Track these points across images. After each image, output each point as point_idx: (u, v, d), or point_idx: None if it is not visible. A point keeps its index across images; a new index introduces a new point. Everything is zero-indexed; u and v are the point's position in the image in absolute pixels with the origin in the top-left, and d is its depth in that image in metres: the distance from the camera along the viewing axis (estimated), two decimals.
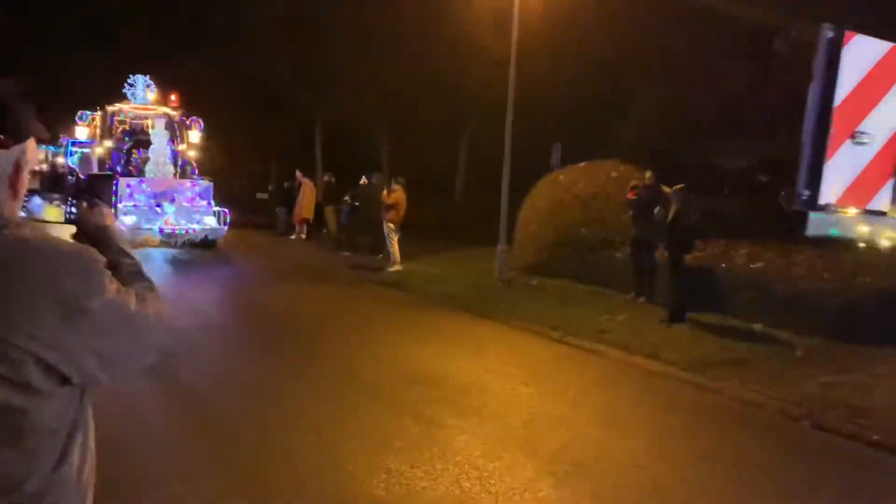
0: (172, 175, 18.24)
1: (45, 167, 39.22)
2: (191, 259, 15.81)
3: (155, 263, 15.05)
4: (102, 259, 1.67)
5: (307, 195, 21.74)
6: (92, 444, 1.73)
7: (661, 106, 17.32)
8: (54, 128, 39.57)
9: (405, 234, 15.94)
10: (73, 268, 1.57)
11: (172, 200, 17.03)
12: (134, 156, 18.41)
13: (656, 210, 10.95)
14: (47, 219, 16.00)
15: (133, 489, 4.43)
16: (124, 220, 15.82)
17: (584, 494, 4.70)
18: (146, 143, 18.56)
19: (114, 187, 15.90)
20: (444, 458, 5.13)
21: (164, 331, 1.76)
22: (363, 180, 18.54)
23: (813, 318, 9.34)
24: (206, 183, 18.09)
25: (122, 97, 19.66)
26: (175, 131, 19.29)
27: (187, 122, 19.77)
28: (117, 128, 19.51)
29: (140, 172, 17.99)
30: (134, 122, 19.69)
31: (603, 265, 12.87)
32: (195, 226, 16.97)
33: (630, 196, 11.91)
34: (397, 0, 23.39)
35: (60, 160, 30.86)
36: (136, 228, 15.89)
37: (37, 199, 16.96)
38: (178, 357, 7.57)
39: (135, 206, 16.56)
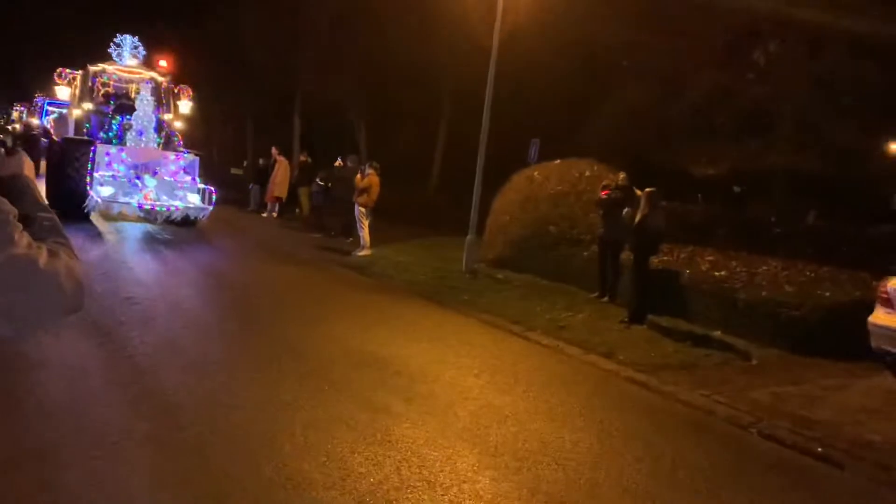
0: (156, 146, 16.71)
1: (17, 127, 38.14)
2: (156, 232, 15.55)
3: (119, 235, 14.82)
4: (11, 210, 1.58)
5: (281, 173, 21.53)
6: None
7: (634, 104, 17.36)
8: (28, 85, 38.58)
9: (377, 220, 15.83)
10: None
11: (154, 174, 15.64)
12: (115, 121, 16.76)
13: (625, 211, 10.96)
14: None
15: (57, 458, 4.32)
16: (100, 190, 14.69)
17: (521, 487, 4.66)
18: (129, 109, 17.00)
19: (91, 154, 14.90)
20: (386, 444, 5.06)
21: (74, 289, 1.67)
22: (338, 162, 18.37)
23: (771, 328, 9.42)
24: (191, 157, 16.66)
25: (106, 57, 18.19)
26: (161, 98, 17.88)
27: (175, 90, 18.40)
28: (99, 90, 18.12)
29: (121, 141, 16.39)
30: (118, 85, 18.25)
31: (569, 262, 12.89)
32: (177, 203, 15.61)
33: (602, 195, 11.91)
34: None
35: (35, 121, 29.70)
36: (112, 201, 14.71)
37: None
38: (124, 327, 7.44)
39: (113, 176, 15.17)
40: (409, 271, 13.23)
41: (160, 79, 17.91)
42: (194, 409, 5.38)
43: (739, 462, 5.70)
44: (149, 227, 15.86)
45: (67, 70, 18.12)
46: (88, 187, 14.70)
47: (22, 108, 40.38)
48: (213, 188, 16.30)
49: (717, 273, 10.63)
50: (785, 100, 13.50)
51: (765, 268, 10.64)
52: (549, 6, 16.57)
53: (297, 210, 21.58)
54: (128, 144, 16.12)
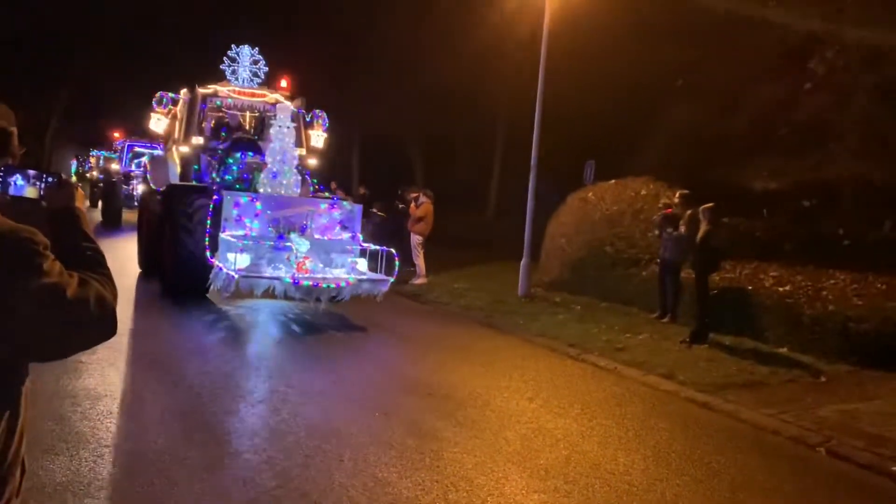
0: (300, 191, 11.90)
1: (95, 174, 37.30)
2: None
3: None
4: (42, 241, 1.64)
5: None
6: (20, 424, 1.69)
7: (690, 123, 17.06)
8: (105, 127, 38.47)
9: (434, 247, 15.89)
10: (2, 246, 1.56)
11: (303, 230, 10.79)
12: (233, 160, 12.27)
13: (682, 229, 10.73)
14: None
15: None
16: (233, 260, 9.86)
17: None
18: (250, 145, 12.72)
19: (211, 206, 10.58)
20: (434, 469, 5.01)
21: (102, 315, 1.71)
22: (403, 192, 18.33)
23: (839, 343, 9.02)
24: (349, 205, 11.71)
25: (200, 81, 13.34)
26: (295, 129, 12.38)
27: (306, 117, 13.46)
28: (205, 119, 13.35)
29: (249, 186, 11.81)
30: (231, 112, 13.61)
31: (627, 283, 12.65)
32: (343, 273, 10.56)
33: (661, 214, 11.70)
34: (433, 17, 23.61)
35: (115, 166, 27.11)
36: (253, 276, 9.66)
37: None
38: (184, 357, 7.60)
39: (248, 236, 10.40)
40: (464, 297, 13.19)
41: (287, 103, 12.57)
42: (243, 435, 5.44)
43: (806, 483, 5.44)
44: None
45: (170, 94, 13.63)
46: (211, 254, 10.46)
47: (99, 154, 37.65)
48: (392, 249, 10.91)
49: (781, 289, 10.26)
50: (845, 108, 13.08)
51: (832, 282, 10.22)
52: (596, 24, 16.52)
53: None
54: (260, 191, 11.40)
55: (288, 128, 11.71)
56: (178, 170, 13.07)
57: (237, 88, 13.24)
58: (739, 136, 15.39)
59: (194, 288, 10.79)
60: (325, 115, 13.60)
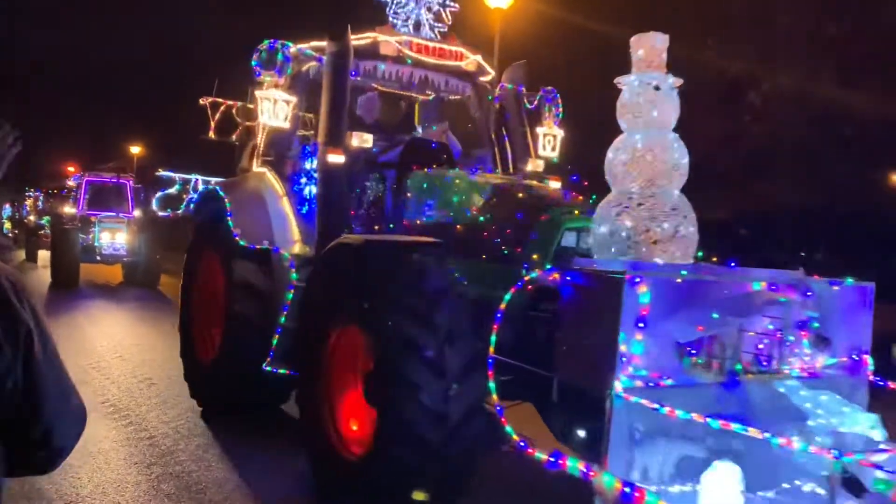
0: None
1: (33, 219, 29.70)
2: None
3: None
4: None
5: None
6: None
7: None
8: (48, 163, 33.40)
9: None
10: None
11: (767, 362, 4.13)
12: (436, 184, 6.31)
13: None
14: None
15: None
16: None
17: None
18: (434, 153, 7.01)
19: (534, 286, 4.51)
20: None
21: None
22: None
23: None
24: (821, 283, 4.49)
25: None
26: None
27: (528, 101, 7.58)
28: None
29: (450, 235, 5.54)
30: (369, 91, 7.62)
31: None
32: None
33: None
34: None
35: (68, 209, 20.35)
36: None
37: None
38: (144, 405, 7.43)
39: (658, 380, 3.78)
40: None
41: (490, 71, 7.64)
42: (213, 485, 5.36)
43: None
44: None
45: (287, 45, 6.83)
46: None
47: (37, 193, 32.85)
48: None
49: None
50: (781, 140, 13.68)
51: None
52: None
53: None
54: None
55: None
56: (321, 202, 6.08)
57: (416, 40, 7.06)
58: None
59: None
60: (558, 97, 7.58)
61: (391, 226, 6.33)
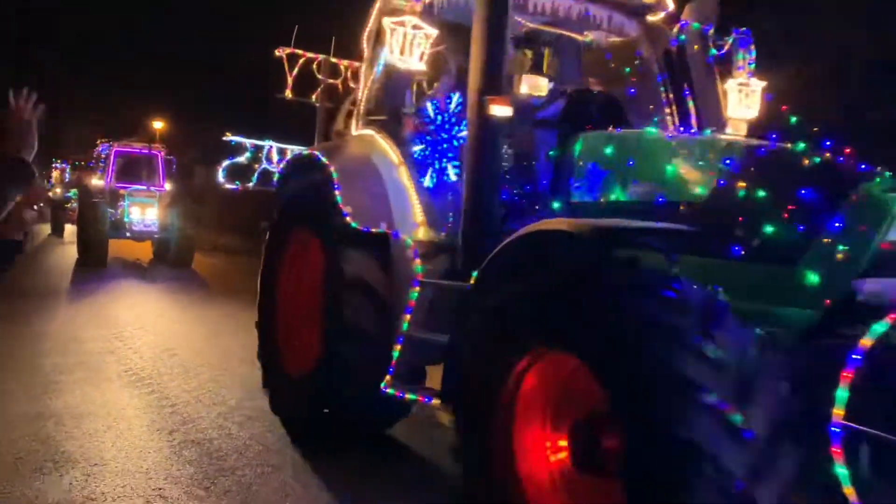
0: None
1: (59, 192, 30.12)
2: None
3: None
4: None
5: None
6: None
7: None
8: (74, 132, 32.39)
9: None
10: None
11: None
12: (612, 151, 4.59)
13: None
14: None
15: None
16: None
17: None
18: (613, 108, 5.43)
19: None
20: None
21: None
22: None
23: None
24: None
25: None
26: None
27: (715, 44, 5.77)
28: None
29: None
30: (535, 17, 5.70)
31: None
32: None
33: None
34: None
35: (96, 181, 18.75)
36: None
37: None
38: (165, 374, 7.51)
39: None
40: None
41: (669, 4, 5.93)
42: (235, 451, 5.43)
43: None
44: None
45: None
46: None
47: (64, 165, 31.84)
48: None
49: None
50: None
51: None
52: None
53: None
54: None
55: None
56: (473, 174, 4.52)
57: None
58: None
59: None
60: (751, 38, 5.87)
61: (555, 206, 4.69)
